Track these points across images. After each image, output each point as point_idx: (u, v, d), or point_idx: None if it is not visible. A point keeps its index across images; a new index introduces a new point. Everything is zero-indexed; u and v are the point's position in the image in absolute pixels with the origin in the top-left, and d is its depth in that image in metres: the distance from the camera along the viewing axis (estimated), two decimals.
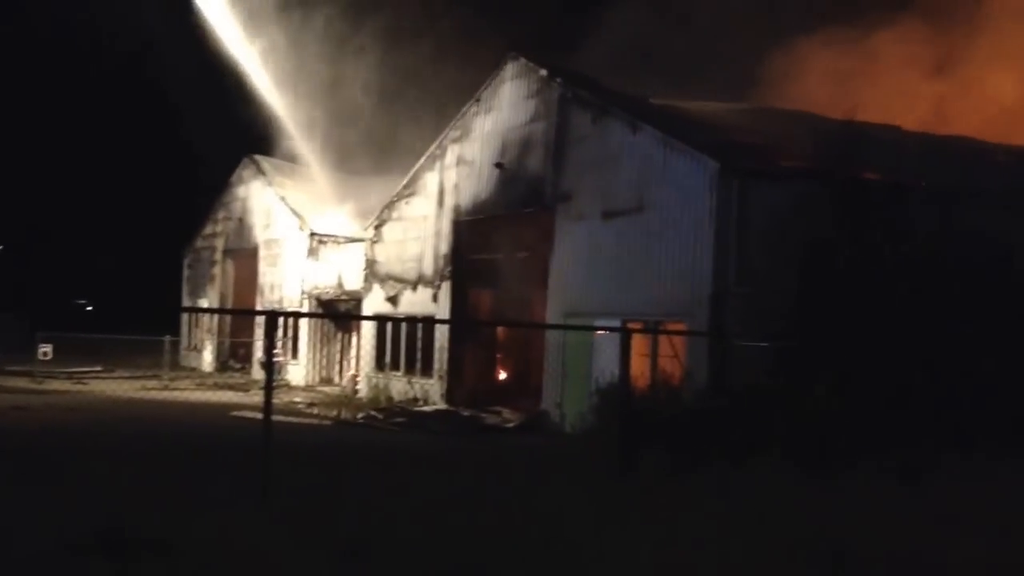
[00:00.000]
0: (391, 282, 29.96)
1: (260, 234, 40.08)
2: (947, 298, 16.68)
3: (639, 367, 19.46)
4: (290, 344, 36.06)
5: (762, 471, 12.86)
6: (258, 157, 41.03)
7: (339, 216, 35.91)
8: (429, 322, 26.61)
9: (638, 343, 20.03)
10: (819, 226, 17.75)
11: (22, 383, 30.07)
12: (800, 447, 13.86)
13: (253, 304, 38.81)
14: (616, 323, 19.81)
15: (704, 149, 19.34)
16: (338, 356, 35.54)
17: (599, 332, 20.27)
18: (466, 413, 24.31)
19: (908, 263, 17.29)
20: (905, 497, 11.94)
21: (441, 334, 26.88)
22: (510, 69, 25.66)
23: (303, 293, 35.83)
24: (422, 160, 28.99)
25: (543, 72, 24.41)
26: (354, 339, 33.67)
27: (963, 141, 25.97)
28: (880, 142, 21.54)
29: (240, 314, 40.79)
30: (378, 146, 33.52)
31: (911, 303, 16.72)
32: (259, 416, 12.23)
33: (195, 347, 43.82)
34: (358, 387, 30.24)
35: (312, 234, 36.00)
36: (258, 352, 36.57)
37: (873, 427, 14.52)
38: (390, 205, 30.47)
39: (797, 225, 17.85)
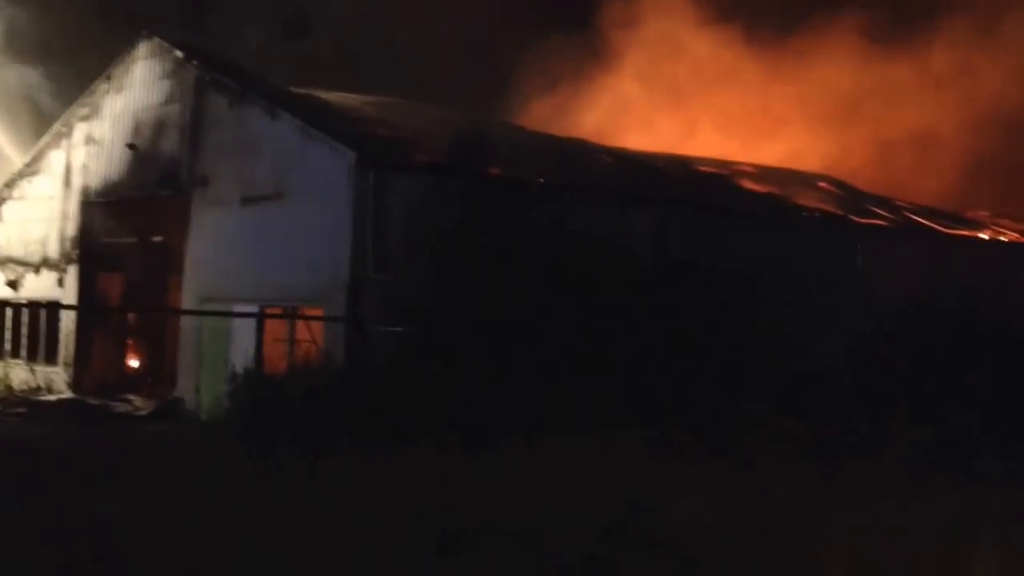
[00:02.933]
0: (12, 265, 27.62)
1: None
2: (567, 289, 17.75)
3: (277, 353, 19.25)
4: None
5: (391, 450, 13.09)
6: None
7: None
8: (54, 307, 24.85)
9: (276, 329, 19.81)
10: (452, 218, 18.32)
11: None
12: (422, 428, 14.25)
13: None
14: (254, 309, 19.43)
15: (342, 139, 19.37)
16: None
17: (236, 318, 19.80)
18: (94, 402, 22.91)
19: (529, 254, 18.22)
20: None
21: (68, 320, 25.16)
22: (144, 48, 24.39)
23: None
24: (46, 137, 26.94)
25: (178, 53, 23.41)
26: None
27: (577, 142, 27.69)
28: (505, 140, 22.52)
29: None
30: None
31: (533, 291, 17.63)
32: None
33: None
34: None
35: None
36: None
37: (498, 408, 15.18)
38: (11, 183, 28.08)
39: (432, 216, 18.32)
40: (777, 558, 9.03)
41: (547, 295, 17.48)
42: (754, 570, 8.76)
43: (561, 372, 16.42)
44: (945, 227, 27.74)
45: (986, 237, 27.96)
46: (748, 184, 27.16)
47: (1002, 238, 28.38)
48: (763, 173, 28.96)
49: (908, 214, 28.42)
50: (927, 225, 27.51)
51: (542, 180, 20.70)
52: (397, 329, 17.42)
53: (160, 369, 24.28)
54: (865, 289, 23.37)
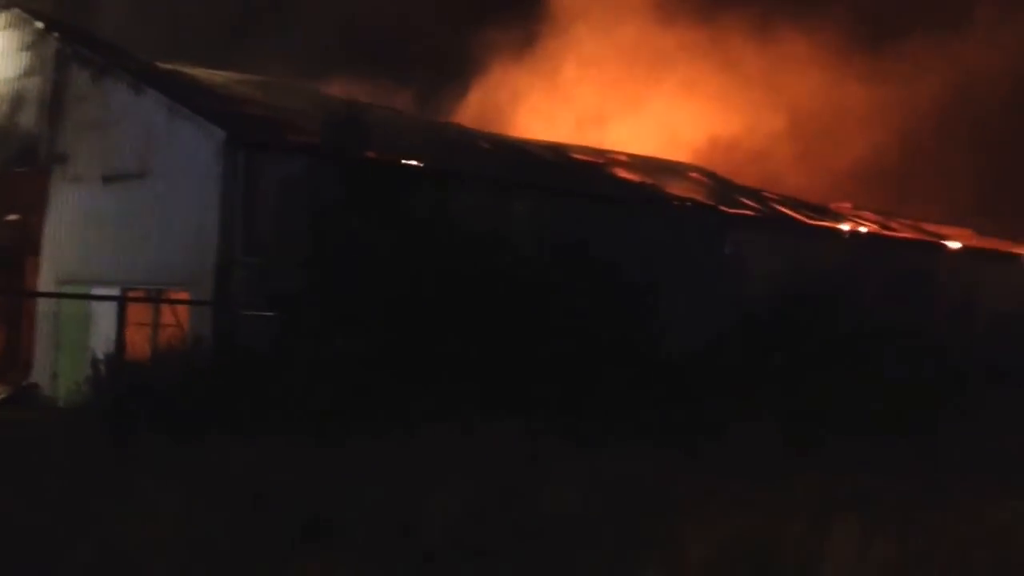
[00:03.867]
0: None
1: None
2: (444, 272, 17.56)
3: (141, 338, 18.56)
4: None
5: (259, 438, 12.73)
6: None
7: None
8: None
9: (140, 313, 19.10)
10: (326, 201, 17.91)
11: None
12: (291, 415, 13.92)
13: None
14: (116, 292, 18.70)
15: (211, 117, 18.77)
16: None
17: (97, 301, 19.01)
18: None
19: (404, 239, 17.97)
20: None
21: None
22: (2, 18, 23.18)
23: None
24: None
25: (39, 24, 22.33)
26: None
27: (455, 128, 27.53)
28: (382, 123, 22.17)
29: None
30: None
31: (409, 278, 17.39)
32: None
33: None
34: None
35: None
36: None
37: (368, 396, 14.92)
38: None
39: (305, 199, 17.90)
40: (641, 536, 9.10)
41: (423, 282, 17.26)
42: (617, 548, 8.79)
43: (435, 360, 16.23)
44: (809, 218, 28.49)
45: (847, 228, 28.81)
46: (622, 172, 27.41)
47: (862, 229, 29.30)
48: (636, 162, 29.29)
49: (775, 205, 29.10)
50: (792, 216, 28.21)
51: (418, 164, 20.44)
52: (268, 314, 16.96)
53: (16, 354, 23.23)
54: (732, 277, 23.82)
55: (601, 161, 28.28)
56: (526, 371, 16.36)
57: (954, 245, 29.95)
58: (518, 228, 19.87)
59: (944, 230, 32.06)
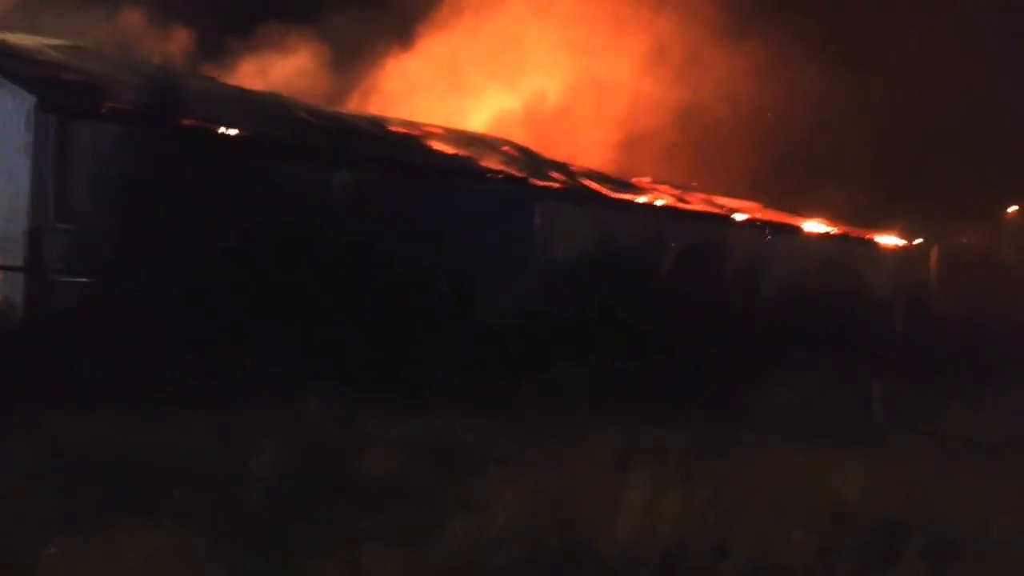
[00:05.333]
0: None
1: None
2: (260, 240, 17.42)
3: None
4: None
5: (76, 408, 12.42)
6: None
7: None
8: None
9: None
10: (142, 167, 17.48)
11: None
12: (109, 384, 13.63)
13: None
14: None
15: (21, 81, 17.94)
16: None
17: None
18: None
19: (223, 205, 17.74)
20: None
21: None
22: None
23: None
24: None
25: None
26: None
27: (274, 97, 27.07)
28: (200, 91, 21.67)
29: None
30: None
31: (225, 244, 17.19)
32: None
33: None
34: None
35: None
36: None
37: (187, 363, 14.74)
38: None
39: (121, 165, 17.42)
40: (452, 495, 9.48)
41: (239, 250, 17.10)
42: (429, 506, 9.15)
43: (253, 328, 16.16)
44: (612, 191, 29.48)
45: (645, 201, 29.97)
46: (437, 144, 27.64)
47: (659, 202, 30.53)
48: (451, 135, 29.55)
49: (581, 178, 29.96)
50: (596, 189, 29.13)
51: (235, 132, 20.11)
52: (83, 280, 16.46)
53: None
54: (541, 248, 24.49)
55: (417, 133, 28.42)
56: (345, 339, 16.49)
57: (742, 217, 31.60)
58: (335, 197, 19.89)
59: (734, 203, 33.76)
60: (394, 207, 20.30)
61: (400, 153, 25.01)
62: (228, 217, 17.53)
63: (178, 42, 31.17)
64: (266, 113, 23.77)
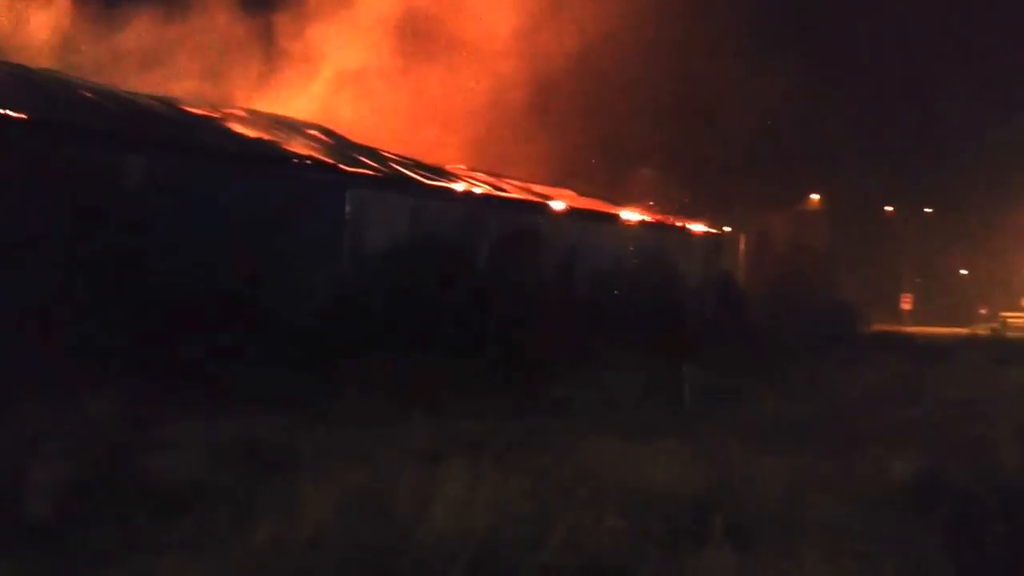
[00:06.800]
0: None
1: None
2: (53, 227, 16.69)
3: None
4: None
5: None
6: None
7: None
8: None
9: None
10: None
11: None
12: None
13: None
14: None
15: None
16: None
17: None
18: None
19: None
20: None
21: None
22: None
23: None
24: None
25: None
26: None
27: (55, 76, 25.88)
28: None
29: None
30: None
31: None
32: None
33: None
34: None
35: None
36: None
37: None
38: None
39: None
40: (258, 496, 9.34)
41: (29, 239, 16.34)
42: (233, 509, 8.98)
43: (34, 324, 15.44)
44: (427, 178, 29.53)
45: (461, 189, 30.17)
46: (238, 128, 27.00)
47: (476, 190, 30.80)
48: (255, 118, 28.93)
49: (394, 165, 29.87)
50: (410, 176, 29.11)
51: (17, 115, 19.10)
52: None
53: None
54: (354, 238, 24.28)
55: (216, 116, 27.68)
56: (137, 335, 15.95)
57: (559, 205, 32.25)
58: (125, 183, 19.09)
59: (550, 191, 34.41)
60: (190, 194, 19.67)
61: (196, 136, 24.30)
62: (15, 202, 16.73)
63: None
64: (46, 94, 22.66)
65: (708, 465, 10.79)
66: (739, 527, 8.33)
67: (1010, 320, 51.03)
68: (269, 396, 14.24)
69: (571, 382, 17.24)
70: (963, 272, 78.50)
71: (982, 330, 38.86)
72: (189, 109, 27.31)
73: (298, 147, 26.92)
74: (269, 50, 36.42)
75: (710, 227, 38.75)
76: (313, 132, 30.32)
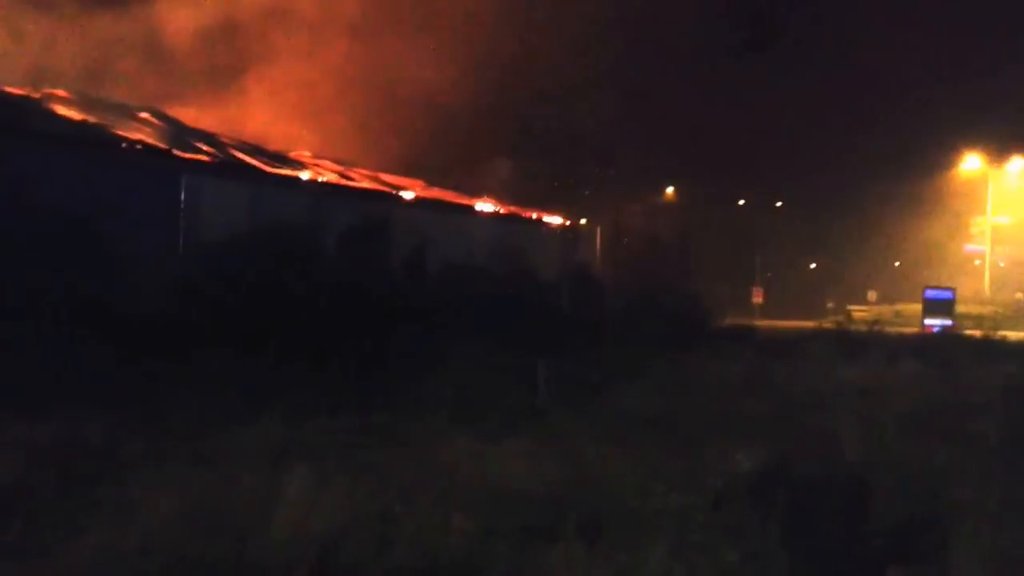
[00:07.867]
0: None
1: None
2: None
3: None
4: None
5: None
6: None
7: None
8: None
9: None
10: None
11: None
12: None
13: None
14: None
15: None
16: None
17: None
18: None
19: None
20: None
21: None
22: None
23: None
24: None
25: None
26: None
27: None
28: None
29: None
30: None
31: None
32: None
33: None
34: None
35: None
36: None
37: None
38: None
39: None
40: (87, 502, 9.10)
41: None
42: (56, 518, 8.73)
43: None
44: (268, 165, 29.07)
45: (306, 177, 29.81)
46: (63, 110, 26.07)
47: (321, 178, 30.48)
48: (82, 100, 27.98)
49: (233, 151, 29.30)
50: (250, 163, 28.61)
51: None
52: None
53: None
54: (189, 228, 23.70)
55: (37, 96, 26.65)
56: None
57: (409, 195, 32.19)
58: None
59: (400, 180, 34.30)
60: (7, 180, 18.89)
61: (11, 117, 23.34)
62: None
63: None
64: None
65: (561, 461, 10.95)
66: (589, 523, 8.49)
67: (855, 313, 53.30)
68: (98, 395, 13.77)
69: (423, 379, 17.20)
70: (812, 266, 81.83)
71: (828, 324, 40.53)
72: (6, 89, 26.20)
73: (129, 131, 26.13)
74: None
75: (566, 219, 39.24)
76: (145, 116, 29.48)
